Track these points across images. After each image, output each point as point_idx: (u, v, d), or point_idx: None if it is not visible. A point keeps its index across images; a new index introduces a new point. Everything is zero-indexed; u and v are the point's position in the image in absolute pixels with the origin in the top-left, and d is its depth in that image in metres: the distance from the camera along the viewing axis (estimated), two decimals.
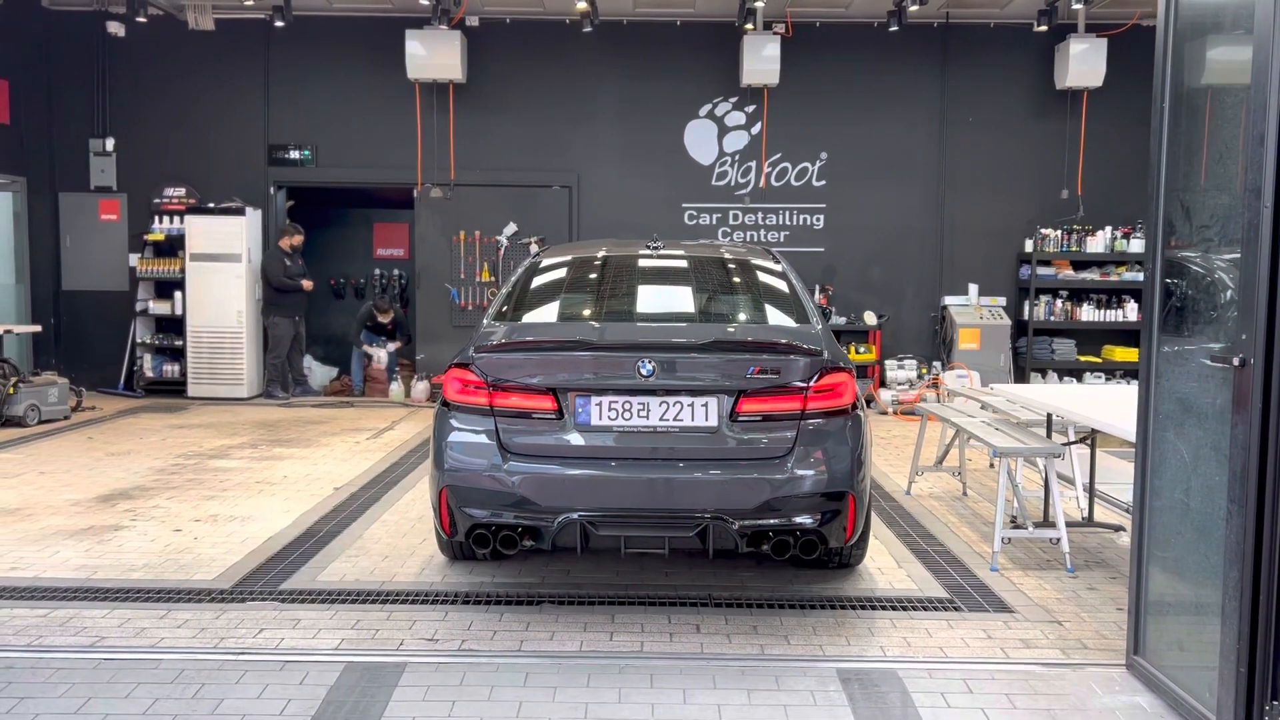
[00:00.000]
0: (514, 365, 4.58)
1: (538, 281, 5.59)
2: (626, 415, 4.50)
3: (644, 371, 4.46)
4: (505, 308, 5.26)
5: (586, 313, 5.31)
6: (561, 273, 5.73)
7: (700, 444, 4.48)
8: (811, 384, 4.51)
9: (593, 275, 5.68)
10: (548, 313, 5.35)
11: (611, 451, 4.50)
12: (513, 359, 4.61)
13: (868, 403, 11.57)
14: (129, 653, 4.16)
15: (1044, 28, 11.35)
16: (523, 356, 4.63)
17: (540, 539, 4.51)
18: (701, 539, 4.45)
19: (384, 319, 12.13)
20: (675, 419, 4.49)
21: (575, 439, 4.50)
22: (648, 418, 4.50)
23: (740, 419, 4.48)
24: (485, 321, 5.16)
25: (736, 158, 12.22)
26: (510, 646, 4.28)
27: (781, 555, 4.55)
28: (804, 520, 4.44)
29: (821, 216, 12.24)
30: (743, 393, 4.48)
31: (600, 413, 4.51)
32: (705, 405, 4.49)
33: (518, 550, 4.58)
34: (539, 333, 4.99)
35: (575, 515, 4.40)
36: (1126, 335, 12.09)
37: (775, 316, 5.26)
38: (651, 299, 5.51)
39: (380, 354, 12.05)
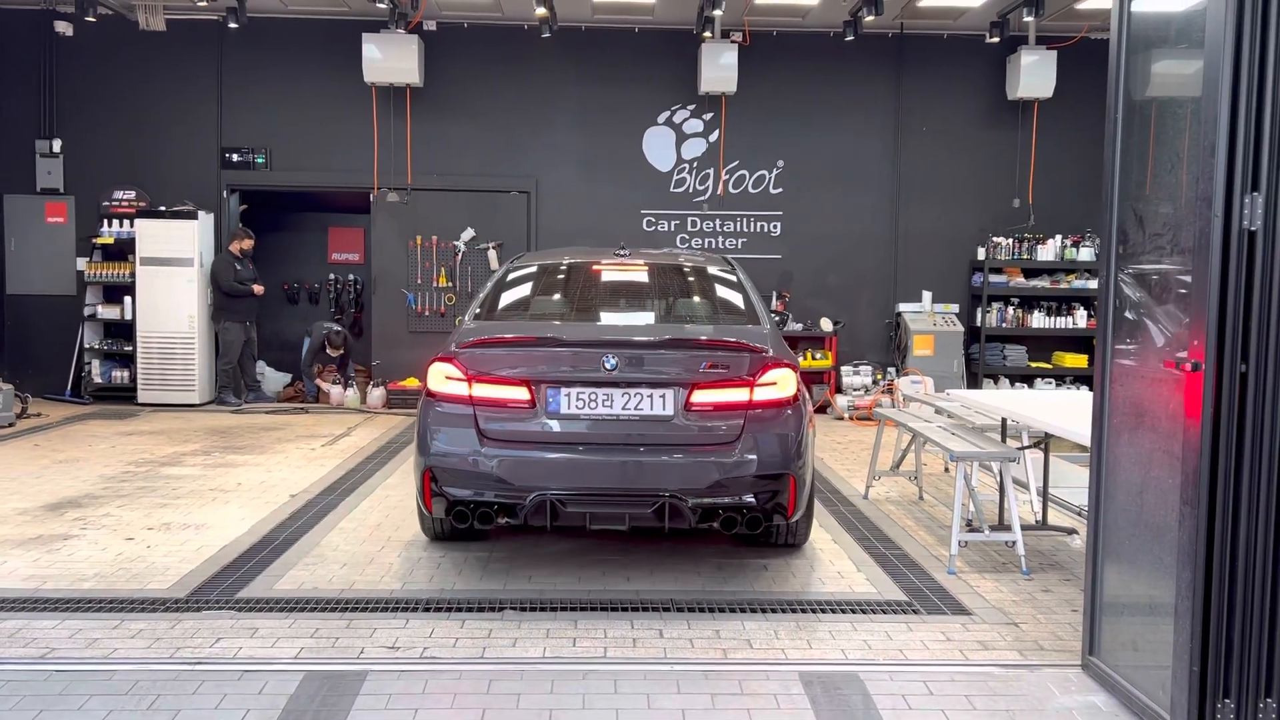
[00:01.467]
0: (492, 359, 5.04)
1: (514, 284, 6.13)
2: (593, 404, 4.96)
3: (608, 365, 4.92)
4: (483, 308, 5.78)
5: (558, 312, 5.85)
6: (536, 277, 6.27)
7: (658, 430, 4.95)
8: (757, 378, 4.98)
9: (564, 279, 6.22)
10: (523, 312, 5.88)
11: (579, 437, 4.98)
12: (491, 354, 5.06)
13: (824, 408, 11.69)
14: (81, 664, 4.08)
15: (996, 39, 11.53)
16: (500, 351, 5.08)
17: (514, 515, 4.92)
18: (659, 516, 4.84)
19: (334, 353, 11.95)
20: (636, 408, 4.96)
21: (546, 426, 4.96)
22: (611, 407, 4.96)
23: (693, 408, 4.95)
24: (466, 320, 5.67)
25: (695, 164, 12.27)
26: (473, 653, 4.25)
27: (730, 530, 4.99)
28: (750, 499, 4.91)
29: (779, 224, 12.33)
30: (696, 385, 4.94)
31: (569, 402, 4.96)
32: (663, 396, 4.96)
33: (493, 525, 5.06)
34: (515, 330, 5.45)
35: (546, 494, 4.82)
36: (1076, 342, 12.31)
37: (728, 318, 5.81)
38: (617, 301, 6.06)
39: (335, 390, 11.84)
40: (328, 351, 11.94)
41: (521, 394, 4.96)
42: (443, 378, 5.07)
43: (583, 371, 4.96)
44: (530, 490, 4.84)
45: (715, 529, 5.00)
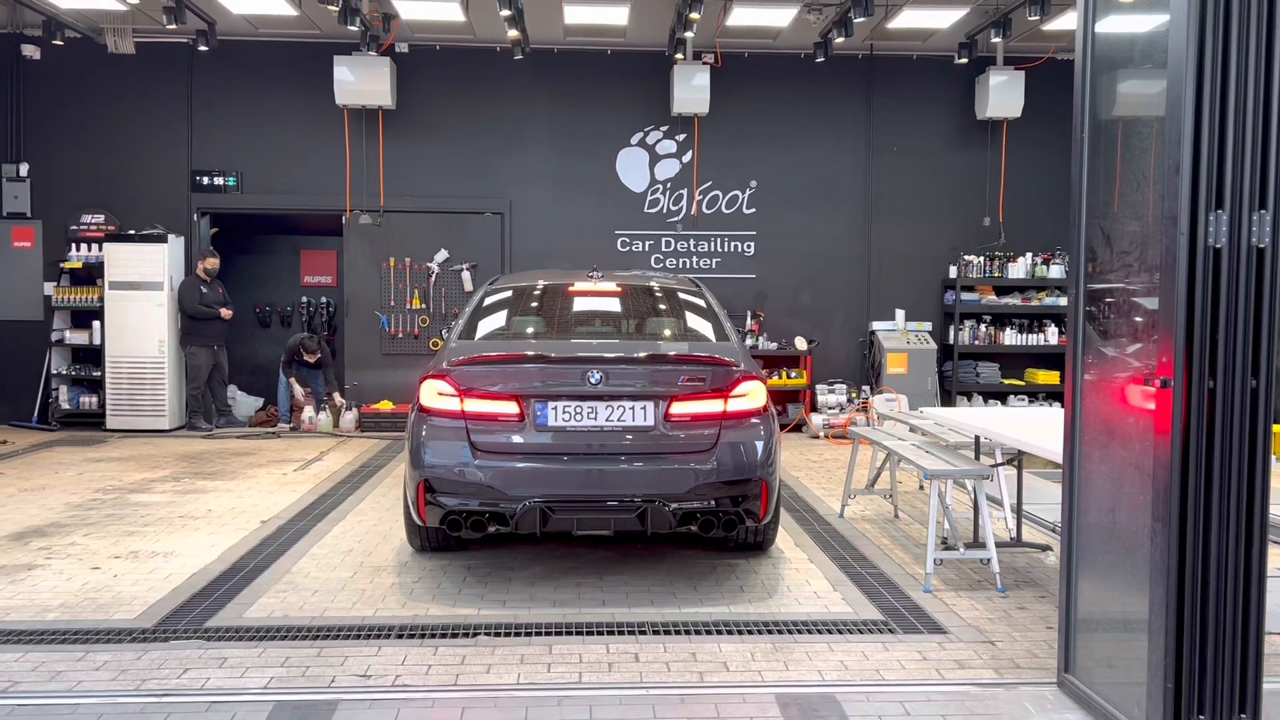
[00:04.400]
0: (483, 376, 5.28)
1: (494, 305, 6.38)
2: (578, 417, 5.22)
3: (593, 380, 5.21)
4: (466, 328, 6.03)
5: (543, 331, 6.12)
6: (515, 298, 6.51)
7: (640, 440, 5.23)
8: (730, 390, 5.30)
9: (543, 299, 6.48)
10: (506, 332, 6.12)
11: (566, 447, 5.22)
12: (482, 370, 5.31)
13: (799, 427, 11.71)
14: (44, 698, 3.99)
15: (964, 60, 11.65)
16: (490, 368, 5.32)
17: (505, 523, 5.16)
18: (641, 520, 5.13)
19: (310, 359, 11.81)
20: (619, 419, 5.23)
21: (535, 437, 5.22)
22: (596, 419, 5.23)
23: (672, 419, 5.25)
24: (450, 340, 5.94)
25: (668, 185, 12.30)
26: (446, 681, 4.19)
27: (707, 532, 5.29)
28: (725, 502, 5.21)
29: (752, 244, 12.37)
30: (674, 397, 5.25)
31: (556, 415, 5.22)
32: (644, 408, 5.24)
33: (484, 535, 5.28)
34: (504, 347, 5.70)
35: (535, 502, 5.07)
36: (1048, 358, 12.40)
37: (699, 334, 6.13)
38: (596, 320, 6.36)
39: (299, 389, 11.69)
40: (304, 358, 11.75)
41: (511, 408, 5.22)
42: (435, 394, 5.30)
43: (569, 386, 5.22)
44: (520, 499, 5.08)
45: (694, 531, 5.28)
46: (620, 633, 4.76)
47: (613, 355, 5.40)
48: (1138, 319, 3.64)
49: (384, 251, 12.03)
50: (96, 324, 11.57)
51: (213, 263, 11.58)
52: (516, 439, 5.21)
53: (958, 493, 7.65)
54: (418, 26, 11.59)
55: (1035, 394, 12.26)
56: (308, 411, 11.62)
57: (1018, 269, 12.24)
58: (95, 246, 11.60)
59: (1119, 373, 3.73)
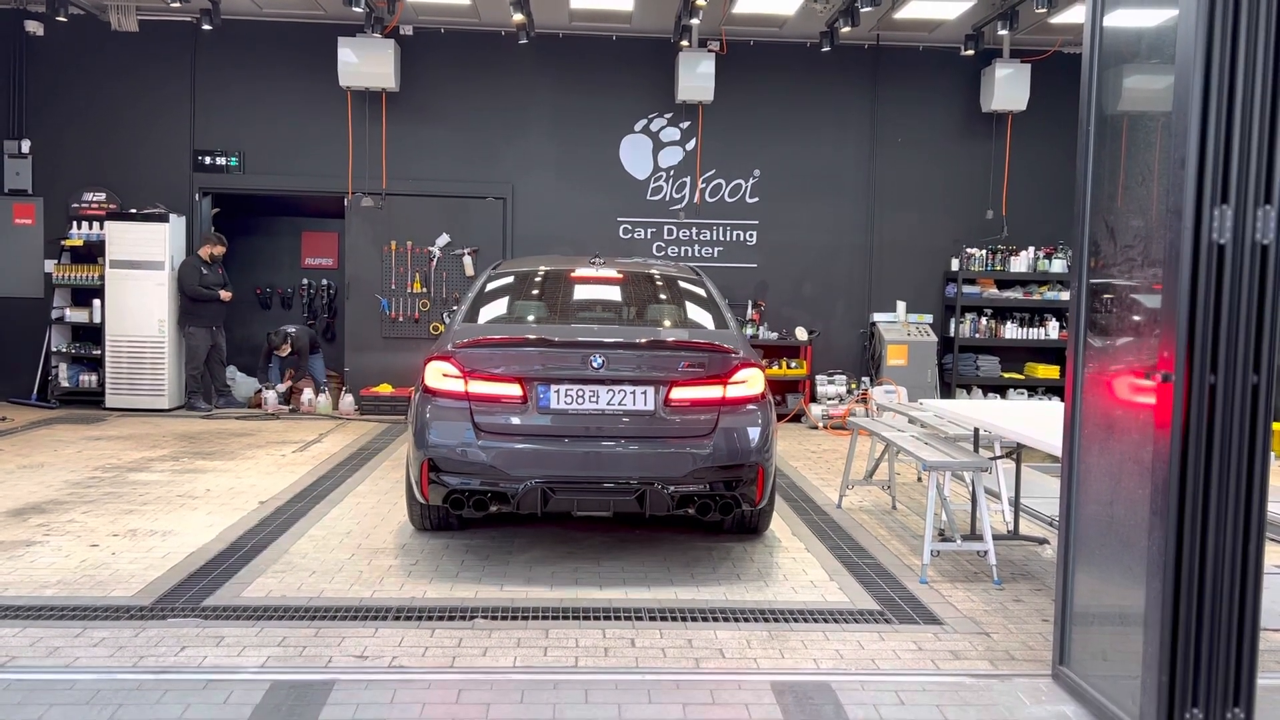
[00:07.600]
0: (487, 358, 5.37)
1: (498, 289, 6.48)
2: (580, 400, 5.32)
3: (595, 364, 5.31)
4: (470, 311, 6.11)
5: (546, 315, 6.23)
6: (519, 282, 6.63)
7: (640, 424, 5.33)
8: (729, 376, 5.39)
9: (546, 284, 6.58)
10: (513, 315, 6.22)
11: (567, 430, 5.32)
12: (486, 353, 5.40)
13: (798, 417, 11.72)
14: (41, 673, 4.00)
15: (971, 52, 11.62)
16: (494, 351, 5.41)
17: (507, 502, 5.25)
18: (640, 502, 5.23)
19: (282, 354, 11.74)
20: (620, 403, 5.34)
21: (537, 419, 5.32)
22: (597, 402, 5.33)
23: (672, 404, 5.35)
24: (456, 322, 6.02)
25: (671, 173, 12.28)
26: (442, 663, 4.20)
27: (704, 515, 5.39)
28: (722, 486, 5.31)
29: (754, 233, 12.36)
30: (674, 382, 5.34)
31: (558, 398, 5.32)
32: (644, 392, 5.34)
33: (486, 514, 5.35)
34: (509, 331, 5.79)
35: (537, 482, 5.16)
36: (1048, 353, 12.40)
37: (699, 322, 6.24)
38: (598, 305, 6.48)
39: (269, 395, 11.63)
40: (277, 354, 11.76)
41: (514, 390, 5.31)
42: (440, 375, 5.39)
43: (571, 370, 5.31)
44: (522, 479, 5.17)
45: (690, 514, 5.35)
46: (617, 618, 4.77)
47: (614, 340, 5.48)
48: (1140, 313, 3.63)
49: (385, 234, 12.01)
50: (97, 302, 11.56)
51: (220, 250, 11.58)
52: (519, 420, 5.30)
53: (956, 485, 7.66)
54: (422, 9, 11.55)
55: (1035, 388, 12.27)
56: (307, 394, 11.63)
57: (1020, 262, 12.24)
58: (96, 225, 11.60)
59: (1120, 367, 3.72)
